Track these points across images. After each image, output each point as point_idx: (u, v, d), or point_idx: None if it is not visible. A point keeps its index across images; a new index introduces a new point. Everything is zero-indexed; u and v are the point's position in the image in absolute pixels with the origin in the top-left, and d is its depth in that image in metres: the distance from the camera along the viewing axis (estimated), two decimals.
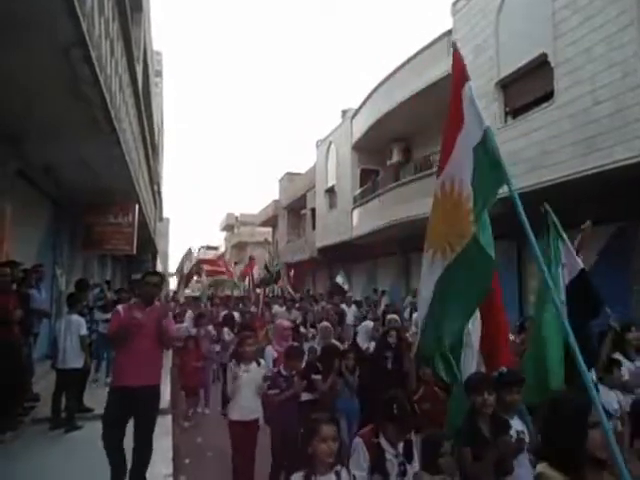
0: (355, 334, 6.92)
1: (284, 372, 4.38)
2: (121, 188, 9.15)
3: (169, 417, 6.02)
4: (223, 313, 10.32)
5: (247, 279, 14.92)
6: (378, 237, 15.75)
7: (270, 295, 16.75)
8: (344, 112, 20.09)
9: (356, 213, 17.14)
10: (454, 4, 11.51)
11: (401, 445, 2.80)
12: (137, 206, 11.01)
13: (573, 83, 8.07)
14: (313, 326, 7.79)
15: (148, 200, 13.94)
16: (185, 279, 11.25)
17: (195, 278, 15.70)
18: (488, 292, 3.06)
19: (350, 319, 10.36)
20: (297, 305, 12.10)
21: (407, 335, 6.37)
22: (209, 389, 7.71)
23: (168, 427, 5.60)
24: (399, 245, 16.17)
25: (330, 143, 20.61)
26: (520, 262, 10.87)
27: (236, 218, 46.57)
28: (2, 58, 4.11)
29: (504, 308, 3.51)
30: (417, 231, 13.90)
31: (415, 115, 13.77)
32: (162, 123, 25.52)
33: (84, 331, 6.02)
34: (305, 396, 4.51)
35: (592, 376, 3.41)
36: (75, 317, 6.03)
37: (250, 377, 4.23)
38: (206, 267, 15.22)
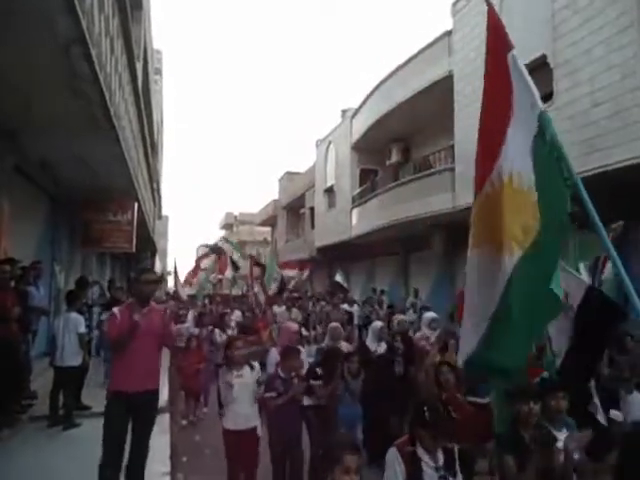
0: (360, 334, 6.77)
1: (282, 374, 4.14)
2: (120, 186, 9.14)
3: (167, 415, 6.01)
4: (237, 313, 10.30)
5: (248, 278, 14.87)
6: (377, 237, 15.77)
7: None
8: (344, 112, 20.10)
9: (355, 213, 17.15)
10: (454, 4, 11.52)
11: (441, 456, 2.54)
12: (136, 204, 11.00)
13: (572, 84, 8.08)
14: (314, 327, 7.60)
15: (147, 198, 13.93)
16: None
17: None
18: (557, 313, 2.60)
19: (354, 319, 10.19)
20: (297, 304, 12.00)
21: (418, 336, 6.24)
22: (209, 389, 7.55)
23: (165, 425, 5.58)
24: (398, 245, 16.20)
25: (329, 143, 20.62)
26: None
27: (235, 217, 46.56)
28: (1, 54, 4.11)
29: None
30: (416, 231, 14.03)
31: (415, 115, 13.78)
32: (162, 121, 25.50)
33: (83, 329, 6.01)
34: (307, 401, 4.31)
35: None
36: (74, 315, 6.03)
37: (243, 383, 3.95)
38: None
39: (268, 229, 34.84)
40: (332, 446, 2.21)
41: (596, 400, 3.56)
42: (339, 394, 4.55)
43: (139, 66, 9.96)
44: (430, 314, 6.93)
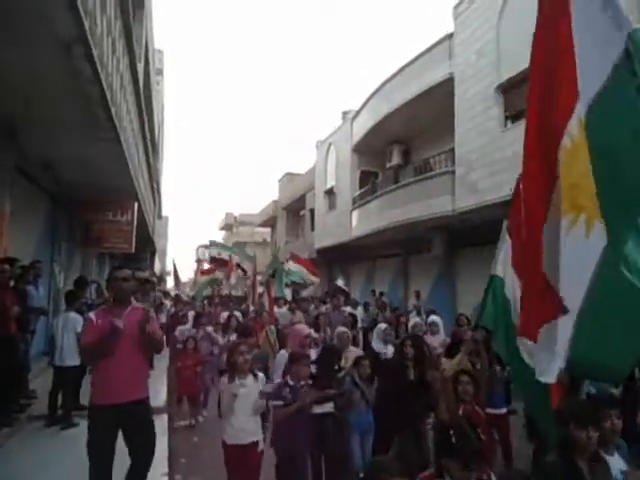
0: (366, 338, 6.60)
1: (290, 382, 3.80)
2: (120, 186, 9.14)
3: (165, 416, 6.02)
4: (224, 314, 10.10)
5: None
6: (377, 239, 15.77)
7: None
8: (344, 113, 20.13)
9: (355, 215, 17.16)
10: (456, 7, 11.54)
11: None
12: (136, 204, 11.00)
13: None
14: (324, 330, 7.19)
15: (147, 198, 13.92)
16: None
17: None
18: None
19: (359, 322, 9.74)
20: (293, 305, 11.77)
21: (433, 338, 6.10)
22: (208, 393, 7.30)
23: (164, 427, 5.59)
24: (398, 247, 16.20)
25: (330, 144, 20.63)
26: None
27: (235, 218, 46.54)
28: (3, 54, 4.11)
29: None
30: (416, 233, 14.01)
31: (415, 118, 13.80)
32: (162, 122, 25.51)
33: (82, 328, 6.00)
34: (318, 409, 4.00)
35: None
36: (73, 314, 6.02)
37: (246, 393, 3.57)
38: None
39: (268, 230, 34.85)
40: (376, 471, 1.96)
41: None
42: (354, 400, 4.24)
43: (140, 66, 9.97)
44: (432, 317, 6.86)
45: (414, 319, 7.10)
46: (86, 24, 3.76)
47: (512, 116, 9.95)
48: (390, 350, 5.67)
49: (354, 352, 5.14)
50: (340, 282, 15.55)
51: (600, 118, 1.97)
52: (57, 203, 9.57)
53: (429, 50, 12.52)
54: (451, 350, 5.05)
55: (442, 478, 2.13)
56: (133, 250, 11.58)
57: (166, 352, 8.16)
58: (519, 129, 9.39)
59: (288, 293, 13.32)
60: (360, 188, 17.76)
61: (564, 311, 2.22)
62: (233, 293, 18.05)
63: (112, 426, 3.31)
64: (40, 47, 4.01)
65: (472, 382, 3.66)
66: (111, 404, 3.27)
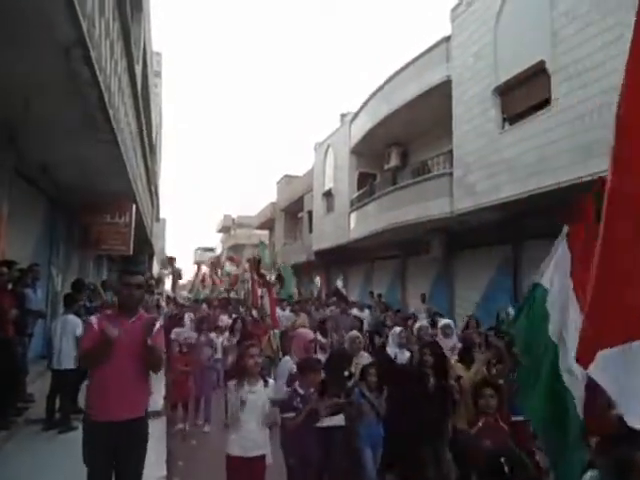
0: (372, 341, 6.41)
1: (300, 390, 3.57)
2: (118, 188, 9.13)
3: (163, 419, 6.00)
4: (223, 317, 10.00)
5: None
6: (375, 241, 15.79)
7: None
8: (342, 116, 20.16)
9: (353, 216, 17.18)
10: (453, 9, 11.59)
11: None
12: (134, 206, 10.98)
13: (571, 90, 8.13)
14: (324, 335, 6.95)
15: (145, 200, 13.91)
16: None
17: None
18: None
19: (364, 325, 9.40)
20: (297, 307, 11.53)
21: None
22: (210, 402, 6.78)
23: (162, 430, 5.58)
24: (396, 249, 16.22)
25: (328, 146, 20.66)
26: (516, 267, 10.91)
27: (233, 220, 46.53)
28: (1, 56, 4.11)
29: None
30: (414, 235, 14.02)
31: (413, 120, 13.83)
32: (160, 124, 25.51)
33: (80, 332, 5.97)
34: (328, 421, 3.72)
35: None
36: (71, 317, 6.00)
37: (256, 401, 3.32)
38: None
39: (266, 232, 34.83)
40: None
41: None
42: (364, 411, 4.01)
43: (138, 69, 9.96)
44: (444, 321, 6.63)
45: (421, 322, 6.93)
46: (84, 26, 3.76)
47: (510, 118, 9.99)
48: (406, 355, 5.41)
49: (366, 357, 4.96)
50: (339, 283, 15.54)
51: None
52: (55, 205, 9.55)
53: (427, 52, 12.56)
54: (464, 355, 4.87)
55: None
56: (131, 252, 11.56)
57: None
58: (517, 131, 9.44)
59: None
60: (358, 190, 17.79)
61: None
62: (232, 296, 18.03)
63: (108, 444, 2.97)
64: (38, 49, 4.00)
65: (495, 394, 3.45)
66: (106, 421, 2.96)
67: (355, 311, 10.98)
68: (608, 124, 7.42)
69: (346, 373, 4.21)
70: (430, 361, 4.35)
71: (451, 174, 11.40)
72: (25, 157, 6.77)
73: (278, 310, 9.88)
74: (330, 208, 20.30)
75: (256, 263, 12.65)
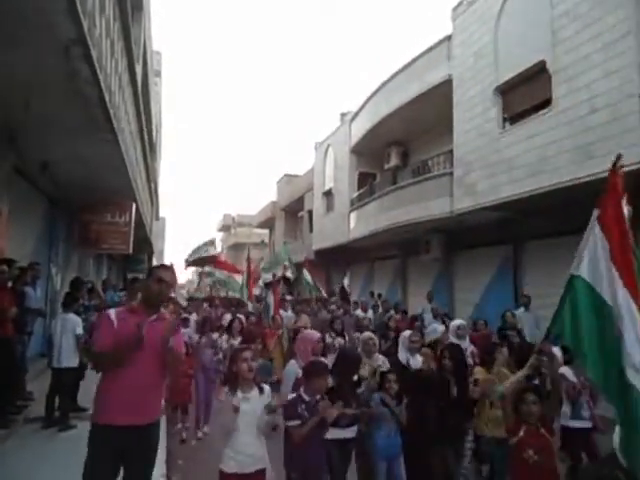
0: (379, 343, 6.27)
1: (306, 397, 3.27)
2: (118, 187, 9.13)
3: (163, 419, 5.98)
4: (226, 316, 9.90)
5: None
6: (375, 240, 15.78)
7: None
8: (343, 115, 20.13)
9: (353, 216, 17.17)
10: (454, 9, 11.57)
11: None
12: (134, 205, 10.99)
13: (571, 90, 8.12)
14: (339, 334, 6.74)
15: (145, 199, 13.91)
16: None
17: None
18: None
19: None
20: (299, 308, 11.31)
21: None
22: (210, 404, 6.58)
23: (162, 429, 5.56)
24: (396, 248, 16.21)
25: (328, 146, 20.65)
26: (516, 267, 10.91)
27: (233, 219, 46.54)
28: (2, 55, 4.10)
29: None
30: (414, 235, 14.01)
31: (413, 119, 13.81)
32: (160, 123, 25.50)
33: (80, 330, 5.99)
34: (337, 433, 3.49)
35: None
36: (71, 316, 6.00)
37: (250, 410, 2.99)
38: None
39: (266, 231, 34.84)
40: None
41: None
42: (379, 420, 3.78)
43: (139, 68, 9.96)
44: (457, 321, 6.45)
45: (432, 325, 6.78)
46: (85, 25, 3.75)
47: (510, 118, 9.98)
48: (418, 360, 5.11)
49: (382, 360, 4.71)
50: (345, 282, 15.51)
51: None
52: (55, 204, 9.55)
53: (428, 52, 12.54)
54: (485, 359, 4.68)
55: None
56: (131, 251, 11.58)
57: None
58: (517, 131, 9.43)
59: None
60: (358, 189, 17.78)
61: None
62: (231, 295, 18.01)
63: (118, 449, 2.73)
64: (39, 48, 4.00)
65: (539, 401, 3.25)
66: (119, 425, 2.70)
67: (359, 312, 10.85)
68: (608, 125, 7.45)
69: (355, 377, 3.96)
70: (449, 365, 4.16)
71: (451, 174, 11.39)
72: (25, 156, 6.77)
73: (281, 310, 9.76)
74: (330, 207, 20.29)
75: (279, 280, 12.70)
